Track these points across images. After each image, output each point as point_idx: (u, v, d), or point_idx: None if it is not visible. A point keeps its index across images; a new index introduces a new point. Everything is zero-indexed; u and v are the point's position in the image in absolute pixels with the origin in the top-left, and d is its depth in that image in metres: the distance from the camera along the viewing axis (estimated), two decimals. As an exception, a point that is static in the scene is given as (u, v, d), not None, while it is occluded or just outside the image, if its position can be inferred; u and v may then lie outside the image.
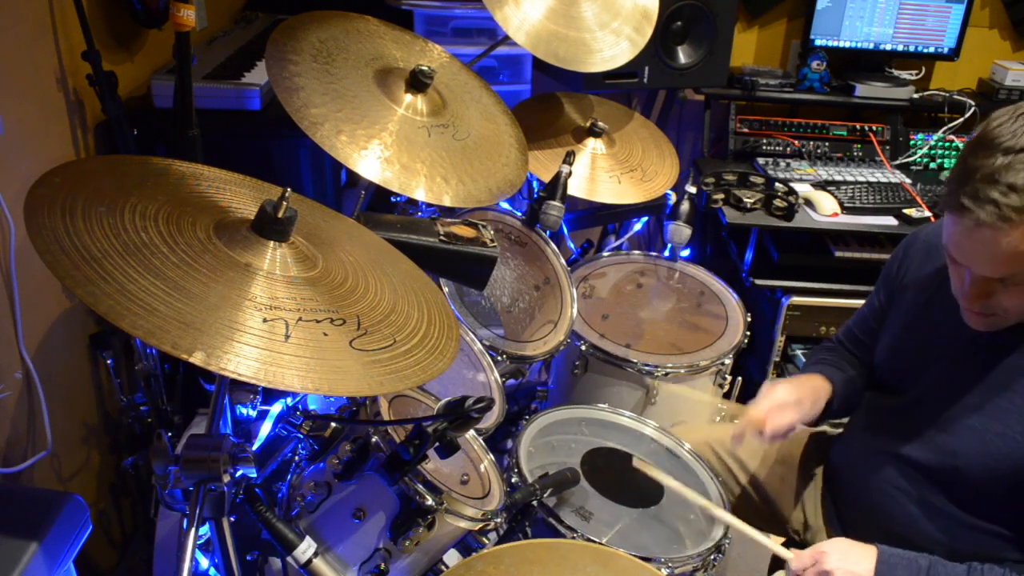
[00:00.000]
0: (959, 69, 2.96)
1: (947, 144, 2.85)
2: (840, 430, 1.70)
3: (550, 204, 1.87)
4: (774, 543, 1.43)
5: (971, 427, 1.33)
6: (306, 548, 1.18)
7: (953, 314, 1.38)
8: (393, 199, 1.90)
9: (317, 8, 1.64)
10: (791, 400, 1.48)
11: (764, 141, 2.84)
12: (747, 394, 2.01)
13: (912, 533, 1.40)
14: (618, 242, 2.86)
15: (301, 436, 1.32)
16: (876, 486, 1.46)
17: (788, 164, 2.77)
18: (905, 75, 2.91)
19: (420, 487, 1.22)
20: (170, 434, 1.03)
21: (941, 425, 1.37)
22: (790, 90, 2.83)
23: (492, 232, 1.49)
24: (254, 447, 1.49)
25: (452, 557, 1.37)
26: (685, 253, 2.27)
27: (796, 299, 2.48)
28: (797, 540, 1.67)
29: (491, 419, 1.58)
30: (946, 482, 1.36)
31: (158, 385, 1.84)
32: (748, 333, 2.04)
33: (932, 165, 2.85)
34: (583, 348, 1.92)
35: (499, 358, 1.71)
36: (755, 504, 1.72)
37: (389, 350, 1.01)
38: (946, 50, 2.84)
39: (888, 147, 2.87)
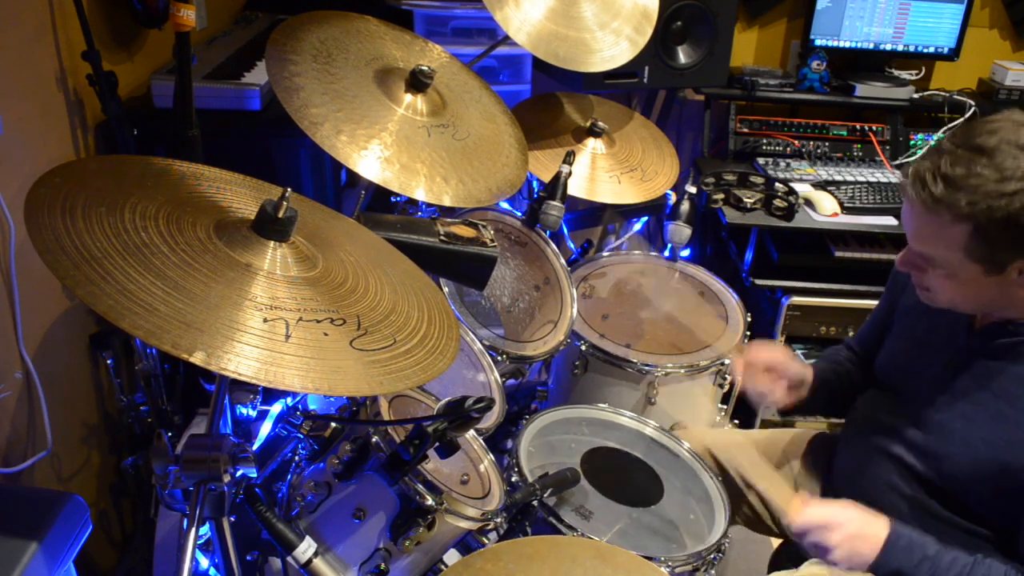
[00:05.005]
0: (959, 69, 2.96)
1: (947, 144, 2.85)
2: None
3: (550, 204, 1.86)
4: (781, 490, 1.41)
5: (958, 431, 1.34)
6: (306, 548, 1.18)
7: (949, 319, 1.39)
8: (393, 199, 1.90)
9: (317, 8, 1.64)
10: (777, 345, 1.54)
11: (764, 141, 2.84)
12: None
13: None
14: (618, 242, 2.86)
15: (301, 436, 1.32)
16: (871, 487, 1.47)
17: (788, 164, 2.77)
18: (905, 75, 2.91)
19: (420, 487, 1.22)
20: (170, 434, 1.03)
21: (931, 428, 1.38)
22: (790, 90, 2.82)
23: (492, 232, 1.49)
24: (254, 447, 1.49)
25: (452, 557, 1.37)
26: (685, 253, 2.27)
27: (796, 299, 2.48)
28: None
29: (491, 419, 1.58)
30: (935, 485, 1.37)
31: (158, 385, 1.84)
32: (748, 333, 2.04)
33: (932, 165, 2.85)
34: (583, 348, 1.92)
35: (499, 358, 1.71)
36: (755, 505, 1.72)
37: (389, 350, 1.01)
38: (946, 50, 2.84)
39: (888, 147, 2.87)
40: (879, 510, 1.44)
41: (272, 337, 0.91)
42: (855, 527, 1.30)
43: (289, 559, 1.18)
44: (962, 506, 1.35)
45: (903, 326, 1.51)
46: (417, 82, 1.60)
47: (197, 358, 0.83)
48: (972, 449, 1.31)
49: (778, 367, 1.57)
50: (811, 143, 2.84)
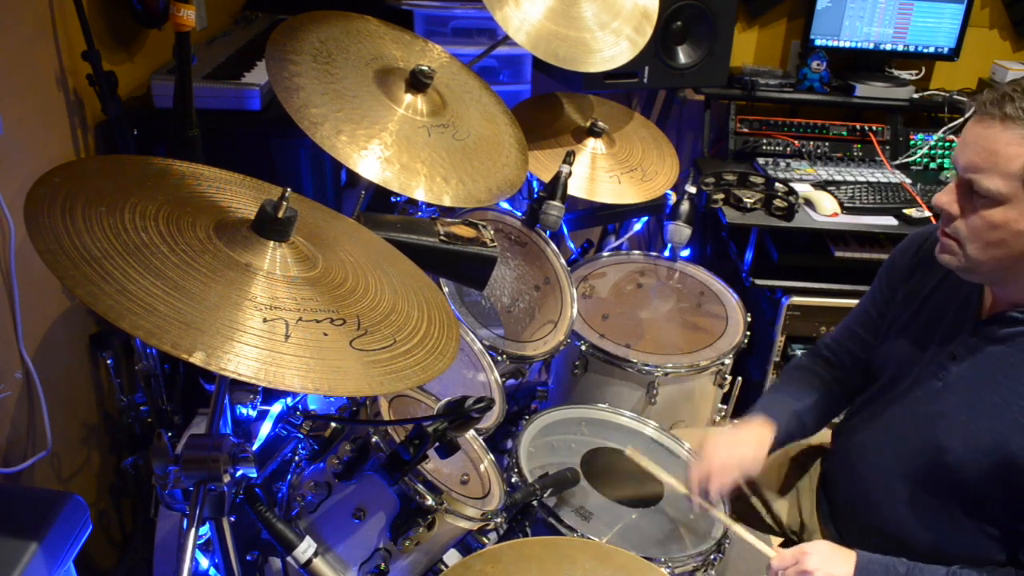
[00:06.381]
0: (959, 69, 2.96)
1: (947, 144, 2.85)
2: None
3: (550, 204, 1.86)
4: (757, 540, 1.43)
5: (961, 422, 1.33)
6: (306, 548, 1.18)
7: (954, 308, 1.38)
8: (393, 199, 1.90)
9: (317, 8, 1.64)
10: (733, 461, 1.48)
11: (764, 141, 2.84)
12: (747, 394, 2.01)
13: (903, 533, 1.40)
14: (618, 242, 2.86)
15: (301, 436, 1.32)
16: (869, 485, 1.47)
17: (788, 164, 2.77)
18: (905, 75, 2.91)
19: (420, 487, 1.22)
20: (170, 434, 1.03)
21: (933, 420, 1.37)
22: (790, 90, 2.82)
23: (492, 232, 1.49)
24: (254, 447, 1.49)
25: (452, 557, 1.37)
26: (685, 253, 2.27)
27: (796, 299, 2.48)
28: (794, 541, 1.67)
29: (491, 419, 1.58)
30: (937, 479, 1.36)
31: (158, 385, 1.85)
32: (748, 333, 2.03)
33: (932, 165, 2.85)
34: (583, 348, 1.92)
35: (499, 358, 1.71)
36: (753, 505, 1.72)
37: (389, 350, 1.01)
38: (946, 50, 2.84)
39: (888, 147, 2.86)
40: (878, 511, 1.44)
41: (272, 337, 0.91)
42: (825, 550, 1.34)
43: (289, 559, 1.18)
44: (968, 502, 1.34)
45: (906, 316, 1.50)
46: (417, 82, 1.60)
47: (197, 358, 0.83)
48: (975, 439, 1.30)
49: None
50: (811, 143, 2.84)
